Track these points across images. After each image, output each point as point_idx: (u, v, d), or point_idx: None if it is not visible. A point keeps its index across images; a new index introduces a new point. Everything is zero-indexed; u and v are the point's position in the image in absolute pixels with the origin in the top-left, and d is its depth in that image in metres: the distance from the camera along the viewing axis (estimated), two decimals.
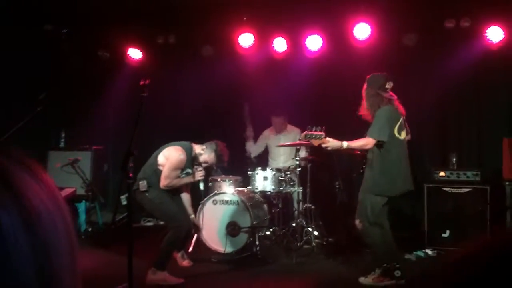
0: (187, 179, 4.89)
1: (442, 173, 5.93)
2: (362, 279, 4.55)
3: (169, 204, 4.75)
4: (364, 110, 4.55)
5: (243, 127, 6.85)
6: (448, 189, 5.77)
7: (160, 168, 4.73)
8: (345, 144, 4.33)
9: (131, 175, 3.18)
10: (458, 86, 6.69)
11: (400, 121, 4.43)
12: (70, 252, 0.58)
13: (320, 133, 4.26)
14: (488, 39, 6.29)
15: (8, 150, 0.56)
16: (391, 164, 4.40)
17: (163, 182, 4.68)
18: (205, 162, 4.97)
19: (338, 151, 4.55)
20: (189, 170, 4.90)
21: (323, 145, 4.31)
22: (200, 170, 4.91)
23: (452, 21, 6.36)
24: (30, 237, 0.51)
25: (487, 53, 6.35)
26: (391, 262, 4.42)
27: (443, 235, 5.68)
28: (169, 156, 4.72)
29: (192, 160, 4.91)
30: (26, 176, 0.54)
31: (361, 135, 4.50)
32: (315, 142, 4.29)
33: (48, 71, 7.32)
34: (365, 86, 4.55)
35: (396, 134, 4.39)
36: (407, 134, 4.57)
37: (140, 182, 4.63)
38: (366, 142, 4.35)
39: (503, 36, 6.20)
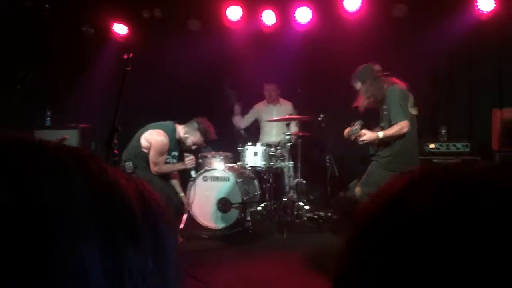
0: (179, 166, 4.84)
1: (432, 145, 5.92)
2: None
3: (157, 183, 4.70)
4: (367, 102, 4.36)
5: (230, 102, 6.72)
6: (438, 160, 5.77)
7: (144, 150, 4.67)
8: (381, 134, 4.16)
9: (116, 151, 3.11)
10: (448, 58, 6.63)
11: (410, 97, 4.31)
12: None
13: (356, 126, 4.14)
14: (479, 9, 6.20)
15: None
16: (410, 141, 4.29)
17: (153, 168, 4.67)
18: (194, 145, 4.91)
19: (374, 143, 4.31)
20: (175, 153, 4.84)
21: (360, 138, 4.16)
22: (191, 159, 4.85)
23: None
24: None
25: (477, 23, 6.26)
26: None
27: None
28: (151, 140, 4.65)
29: (177, 143, 4.84)
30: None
31: (351, 109, 4.43)
32: (353, 137, 4.16)
33: (30, 48, 7.13)
34: (359, 84, 4.35)
35: (411, 111, 4.29)
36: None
37: (126, 164, 4.57)
38: (400, 127, 4.14)
39: (494, 5, 6.09)
